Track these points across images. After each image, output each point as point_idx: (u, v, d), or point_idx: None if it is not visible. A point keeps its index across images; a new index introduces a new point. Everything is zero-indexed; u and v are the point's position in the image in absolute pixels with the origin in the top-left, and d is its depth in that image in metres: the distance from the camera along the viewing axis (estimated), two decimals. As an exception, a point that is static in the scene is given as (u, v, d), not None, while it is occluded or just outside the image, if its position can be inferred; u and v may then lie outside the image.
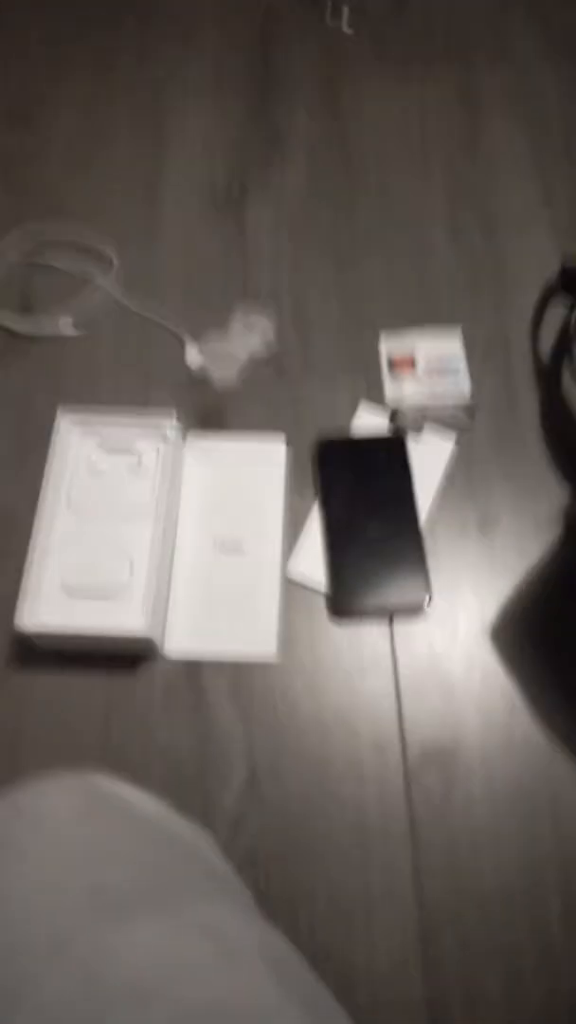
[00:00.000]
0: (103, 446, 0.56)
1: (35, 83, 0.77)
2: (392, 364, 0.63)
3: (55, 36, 0.79)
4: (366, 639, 0.54)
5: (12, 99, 0.76)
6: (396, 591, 0.54)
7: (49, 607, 0.51)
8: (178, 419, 0.57)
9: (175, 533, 0.56)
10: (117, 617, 0.50)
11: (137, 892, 0.33)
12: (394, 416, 0.60)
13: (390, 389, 0.62)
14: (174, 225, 0.69)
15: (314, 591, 0.55)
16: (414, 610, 0.54)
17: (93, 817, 0.38)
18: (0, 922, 0.31)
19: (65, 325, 0.64)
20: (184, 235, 0.69)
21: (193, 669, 0.53)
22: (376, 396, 0.62)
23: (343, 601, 0.54)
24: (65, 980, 0.29)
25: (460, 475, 0.59)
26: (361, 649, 0.53)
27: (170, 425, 0.55)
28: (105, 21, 0.80)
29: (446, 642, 0.53)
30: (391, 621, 0.54)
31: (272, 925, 0.34)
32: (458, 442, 0.60)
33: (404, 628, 0.54)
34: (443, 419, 0.60)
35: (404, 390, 0.62)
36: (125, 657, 0.52)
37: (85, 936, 0.31)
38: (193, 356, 0.63)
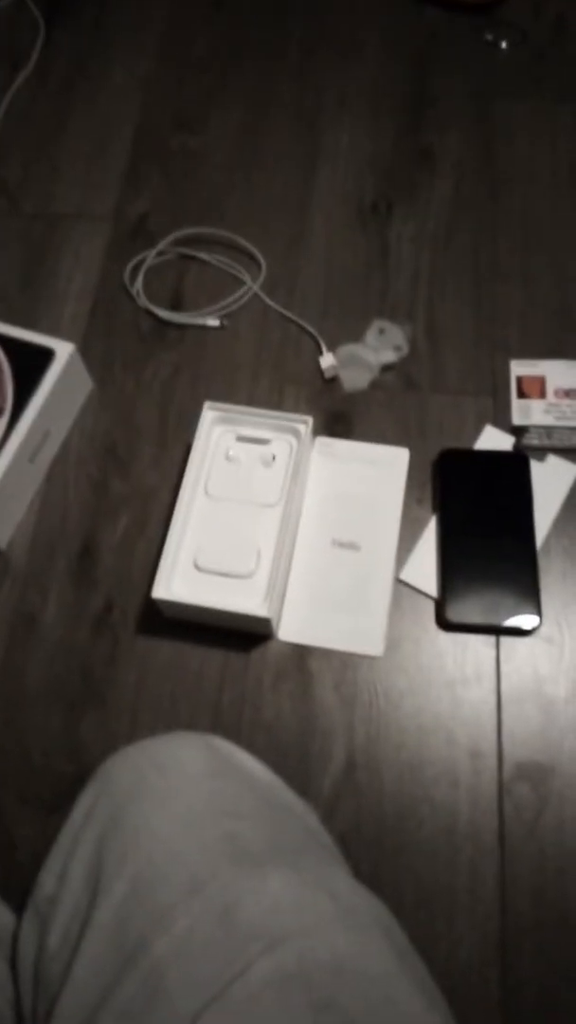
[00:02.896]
0: (241, 439, 0.60)
1: (202, 90, 0.81)
2: (521, 387, 0.64)
3: (223, 47, 0.84)
4: (471, 651, 0.55)
5: (180, 104, 0.81)
6: (506, 611, 0.55)
7: (182, 581, 0.55)
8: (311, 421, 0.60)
9: (298, 524, 0.59)
10: (241, 596, 0.54)
11: (265, 845, 0.36)
12: (520, 435, 0.61)
13: (517, 414, 0.63)
14: (321, 235, 0.73)
15: (424, 596, 0.57)
16: (522, 632, 0.55)
17: (221, 774, 0.41)
18: (144, 859, 0.35)
19: (212, 319, 0.69)
20: (329, 245, 0.72)
21: (302, 655, 0.56)
22: (502, 421, 0.63)
23: (452, 613, 0.56)
24: (202, 915, 0.33)
25: (581, 504, 0.60)
26: (465, 660, 0.55)
27: (305, 425, 0.59)
28: (272, 34, 0.84)
29: (552, 666, 0.54)
30: (498, 638, 0.56)
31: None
32: (581, 471, 0.61)
33: (510, 645, 0.55)
34: (569, 442, 0.61)
35: (532, 415, 0.63)
36: (241, 635, 0.56)
37: (221, 878, 0.34)
38: (327, 361, 0.66)
